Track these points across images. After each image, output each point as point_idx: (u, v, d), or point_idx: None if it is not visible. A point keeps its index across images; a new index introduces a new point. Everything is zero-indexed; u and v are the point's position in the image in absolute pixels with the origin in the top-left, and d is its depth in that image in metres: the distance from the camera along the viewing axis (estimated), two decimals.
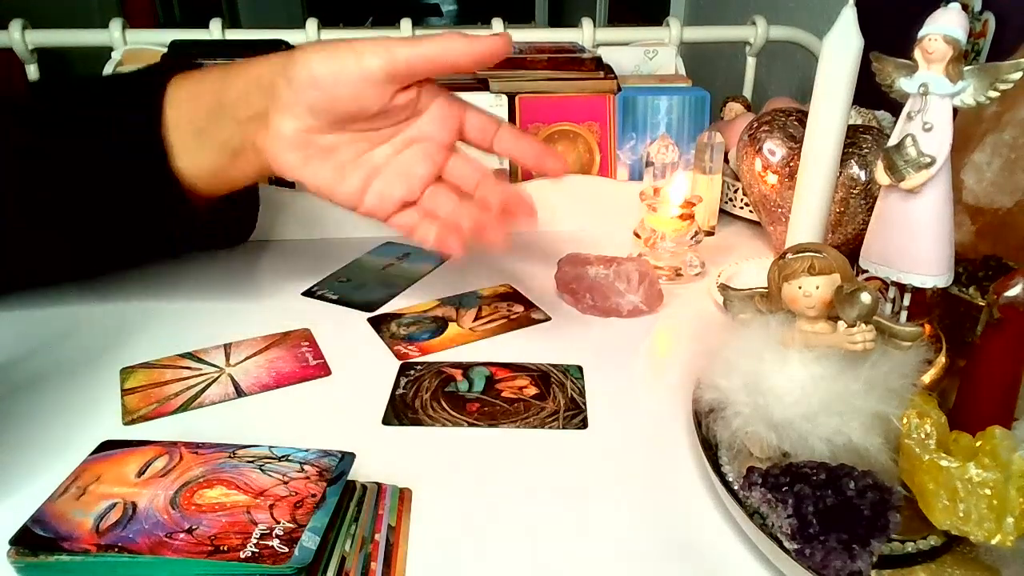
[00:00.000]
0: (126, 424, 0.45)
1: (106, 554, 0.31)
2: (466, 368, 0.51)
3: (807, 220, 0.57)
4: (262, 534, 0.32)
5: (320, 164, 0.47)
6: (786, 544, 0.33)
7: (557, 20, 3.78)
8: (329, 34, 0.92)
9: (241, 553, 0.31)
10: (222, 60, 0.76)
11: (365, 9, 3.55)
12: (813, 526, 0.33)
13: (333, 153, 0.47)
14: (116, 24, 0.88)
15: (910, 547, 0.35)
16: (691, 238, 0.63)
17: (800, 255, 0.37)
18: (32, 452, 0.42)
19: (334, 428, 0.45)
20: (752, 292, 0.41)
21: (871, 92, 0.48)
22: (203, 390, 0.48)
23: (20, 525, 0.33)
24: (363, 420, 0.45)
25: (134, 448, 0.38)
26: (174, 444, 0.38)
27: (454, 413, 0.46)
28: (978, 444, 0.33)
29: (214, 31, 0.90)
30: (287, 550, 0.31)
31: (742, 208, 0.75)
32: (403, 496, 0.39)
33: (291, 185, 0.78)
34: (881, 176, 0.42)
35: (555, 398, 0.48)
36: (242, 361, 0.51)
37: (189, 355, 0.52)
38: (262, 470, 0.36)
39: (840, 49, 0.51)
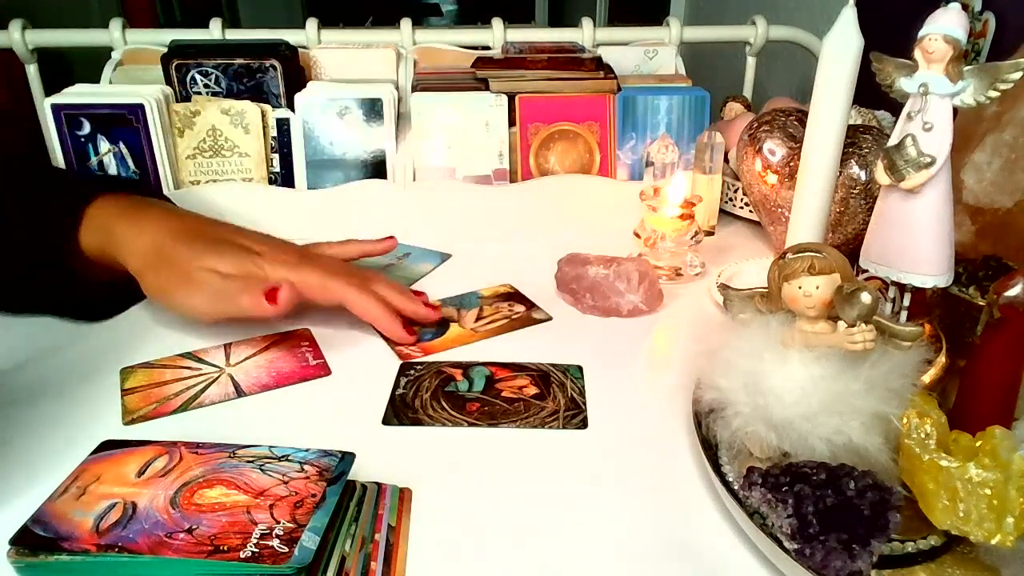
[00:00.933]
0: (126, 424, 0.45)
1: (106, 554, 0.31)
2: (466, 368, 0.51)
3: (807, 220, 0.57)
4: (262, 534, 0.32)
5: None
6: (786, 544, 0.33)
7: (557, 20, 3.78)
8: (329, 34, 0.92)
9: (241, 553, 0.31)
10: (222, 60, 0.77)
11: (365, 9, 3.55)
12: (813, 526, 0.33)
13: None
14: (116, 24, 0.88)
15: (910, 547, 0.35)
16: (691, 238, 0.63)
17: (800, 255, 0.37)
18: (32, 452, 0.42)
19: (334, 428, 0.45)
20: (752, 292, 0.41)
21: (871, 92, 0.48)
22: (203, 390, 0.48)
23: (20, 525, 0.33)
24: (363, 420, 0.45)
25: (134, 448, 0.38)
26: (174, 444, 0.38)
27: (454, 413, 0.46)
28: (978, 444, 0.33)
29: (214, 31, 0.90)
30: (287, 550, 0.31)
31: (742, 208, 0.75)
32: (403, 496, 0.39)
33: (291, 185, 0.78)
34: (881, 176, 0.42)
35: (555, 398, 0.48)
36: (242, 361, 0.51)
37: (189, 355, 0.52)
38: (262, 470, 0.36)
39: (840, 49, 0.51)
